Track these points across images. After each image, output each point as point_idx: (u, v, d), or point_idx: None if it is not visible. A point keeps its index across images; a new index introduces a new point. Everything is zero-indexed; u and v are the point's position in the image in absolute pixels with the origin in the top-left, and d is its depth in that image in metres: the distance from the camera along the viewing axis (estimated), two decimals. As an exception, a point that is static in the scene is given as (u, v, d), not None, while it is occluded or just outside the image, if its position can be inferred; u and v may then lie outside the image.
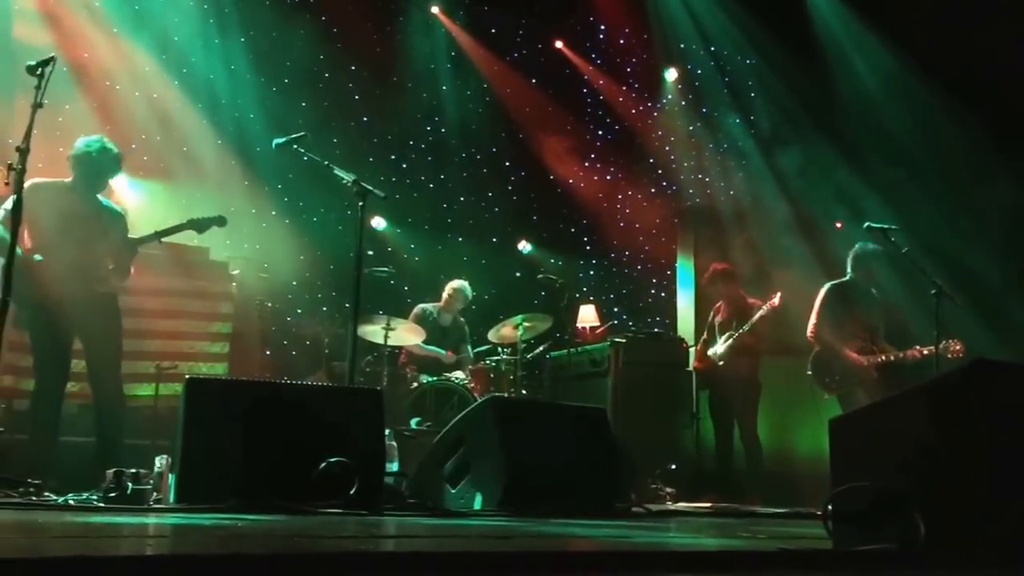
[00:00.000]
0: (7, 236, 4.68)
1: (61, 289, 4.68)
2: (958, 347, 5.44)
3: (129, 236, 4.99)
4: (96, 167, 4.90)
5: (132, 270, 5.02)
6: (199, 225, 5.04)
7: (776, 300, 6.36)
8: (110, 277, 4.94)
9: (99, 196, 5.03)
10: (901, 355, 5.78)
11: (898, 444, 2.41)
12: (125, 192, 7.12)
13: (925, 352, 5.58)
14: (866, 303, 6.04)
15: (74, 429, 5.40)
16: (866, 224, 5.70)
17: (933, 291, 5.36)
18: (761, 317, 6.40)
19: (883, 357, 5.84)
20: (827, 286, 6.12)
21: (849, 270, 6.10)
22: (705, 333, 6.92)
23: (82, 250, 4.79)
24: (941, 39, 7.73)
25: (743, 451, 6.52)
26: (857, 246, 6.05)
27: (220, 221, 5.08)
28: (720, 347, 6.57)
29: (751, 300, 6.66)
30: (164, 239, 5.01)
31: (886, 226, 5.62)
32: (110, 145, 5.00)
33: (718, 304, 6.87)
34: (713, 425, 6.72)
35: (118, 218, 5.07)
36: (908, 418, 2.42)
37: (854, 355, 5.90)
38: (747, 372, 6.51)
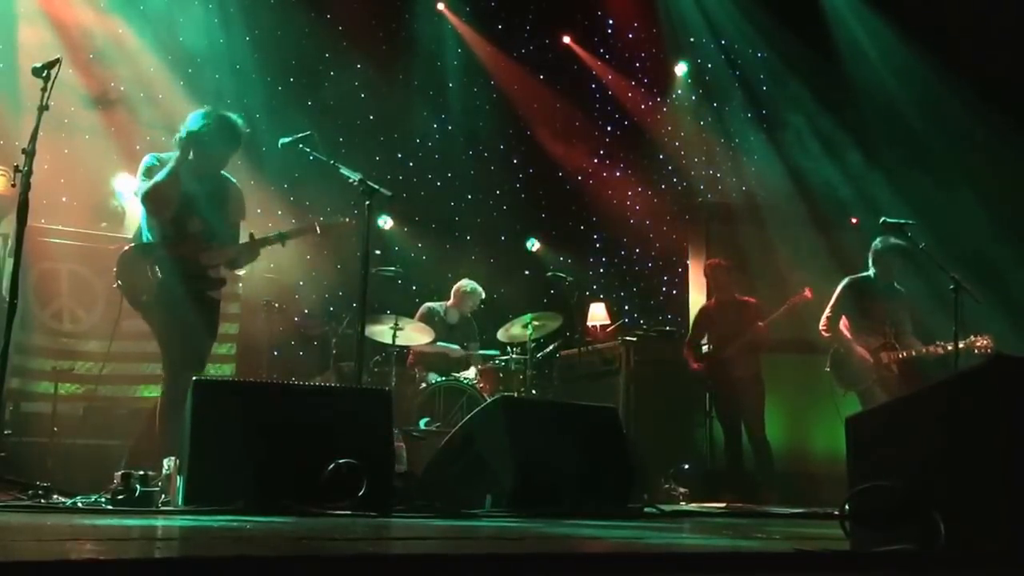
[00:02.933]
0: (150, 234, 4.50)
1: (182, 281, 4.43)
2: (984, 342, 5.37)
3: (254, 236, 4.67)
4: (215, 143, 4.50)
5: (243, 268, 4.78)
6: (326, 228, 4.76)
7: (807, 293, 6.33)
8: (222, 270, 4.64)
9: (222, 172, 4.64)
10: (924, 351, 5.70)
11: (917, 442, 2.37)
12: (129, 193, 7.12)
13: (949, 348, 5.49)
14: (887, 298, 5.97)
15: (80, 431, 5.39)
16: (882, 219, 5.65)
17: (952, 286, 5.30)
18: (786, 310, 6.36)
19: (903, 353, 5.77)
20: (844, 281, 6.07)
21: (869, 265, 6.05)
22: (691, 332, 6.84)
23: (202, 236, 4.52)
24: (956, 27, 7.65)
25: (751, 451, 6.46)
26: (877, 241, 5.99)
27: (348, 226, 4.82)
28: (730, 346, 6.51)
29: (743, 298, 6.61)
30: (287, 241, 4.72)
31: (902, 221, 5.57)
32: (226, 114, 4.59)
33: (706, 304, 6.81)
34: (720, 425, 6.67)
35: (237, 194, 4.71)
36: (927, 416, 2.38)
37: (863, 352, 5.84)
38: (750, 371, 6.45)
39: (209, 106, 4.68)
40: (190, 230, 4.51)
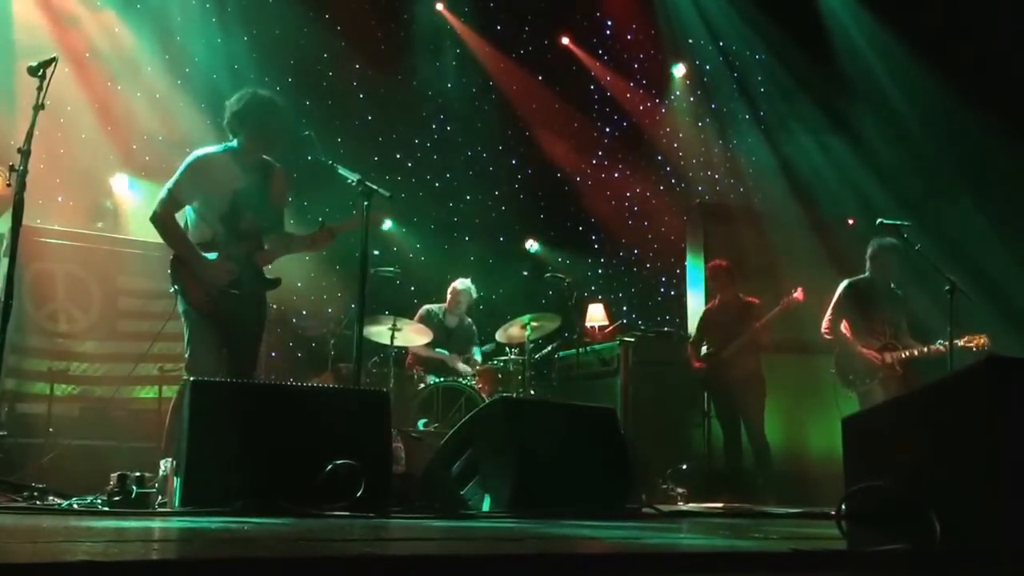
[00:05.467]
0: (198, 233, 4.28)
1: (238, 283, 4.23)
2: (980, 341, 5.40)
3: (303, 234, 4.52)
4: (266, 122, 4.30)
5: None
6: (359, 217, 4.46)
7: (799, 294, 6.32)
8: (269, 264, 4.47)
9: (264, 156, 4.42)
10: (925, 350, 5.72)
11: (912, 442, 2.37)
12: (126, 192, 7.13)
13: (947, 347, 5.51)
14: (886, 299, 5.98)
15: (76, 432, 5.38)
16: (879, 220, 5.67)
17: (947, 288, 5.31)
18: (779, 311, 6.37)
19: (905, 353, 5.79)
20: (844, 283, 6.08)
21: (867, 267, 6.05)
22: (695, 333, 6.87)
23: (258, 230, 4.34)
24: (955, 31, 7.68)
25: (751, 451, 6.48)
26: (873, 242, 5.99)
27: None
28: (730, 345, 6.53)
29: (747, 299, 6.62)
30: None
31: (899, 222, 5.59)
32: (262, 91, 4.39)
33: (710, 304, 6.84)
34: (720, 425, 6.68)
35: (280, 179, 4.52)
36: (922, 416, 2.39)
37: (867, 351, 5.86)
38: (751, 370, 6.48)
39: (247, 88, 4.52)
40: (241, 229, 4.34)
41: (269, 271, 4.56)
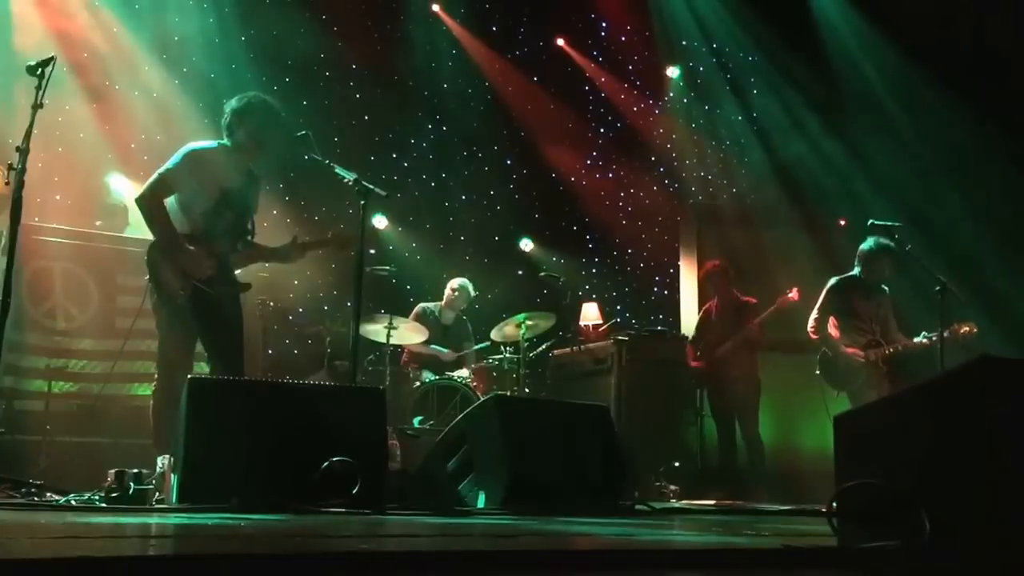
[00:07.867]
0: (180, 225, 4.27)
1: (207, 282, 4.23)
2: (966, 329, 5.40)
3: (297, 240, 4.61)
4: (263, 125, 4.36)
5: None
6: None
7: (794, 294, 6.36)
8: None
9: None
10: (910, 344, 5.73)
11: (904, 441, 2.40)
12: (124, 192, 7.12)
13: (933, 339, 5.53)
14: (872, 297, 6.01)
15: (73, 429, 5.38)
16: (870, 221, 5.71)
17: (937, 288, 5.34)
18: (773, 311, 6.41)
19: (889, 349, 5.81)
20: (831, 281, 6.11)
21: (856, 266, 6.08)
22: (695, 332, 6.92)
23: (235, 231, 4.38)
24: (946, 31, 7.71)
25: (744, 448, 6.52)
26: (867, 242, 6.02)
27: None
28: (725, 344, 6.57)
29: (744, 298, 6.67)
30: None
31: (890, 223, 5.62)
32: (265, 96, 4.46)
33: (709, 303, 6.88)
34: (715, 423, 6.73)
35: (259, 188, 4.58)
36: (914, 415, 2.41)
37: (852, 350, 5.89)
38: (746, 369, 6.52)
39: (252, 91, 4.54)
40: (220, 227, 4.37)
41: (242, 276, 4.56)
